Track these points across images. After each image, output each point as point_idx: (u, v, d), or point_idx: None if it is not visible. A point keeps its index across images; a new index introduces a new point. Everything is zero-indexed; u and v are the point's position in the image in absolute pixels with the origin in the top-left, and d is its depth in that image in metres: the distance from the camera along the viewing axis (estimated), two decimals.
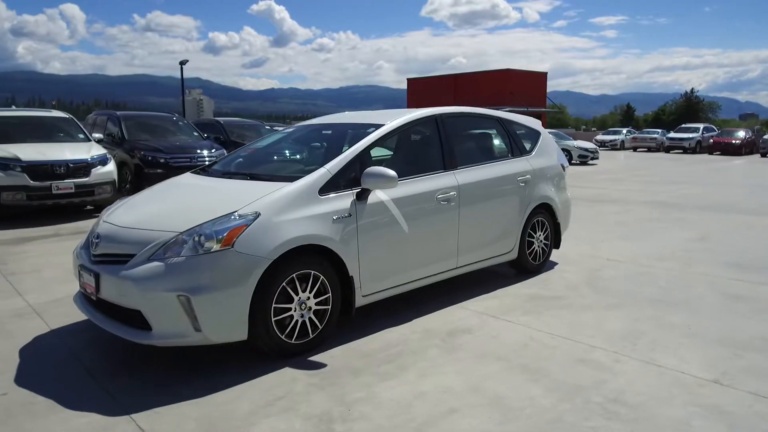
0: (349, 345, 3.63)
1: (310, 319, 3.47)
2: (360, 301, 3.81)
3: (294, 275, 3.35)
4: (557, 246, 5.70)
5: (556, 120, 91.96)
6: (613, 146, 37.24)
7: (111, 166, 9.13)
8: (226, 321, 3.11)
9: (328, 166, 3.71)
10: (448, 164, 4.47)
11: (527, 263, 5.28)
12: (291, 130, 4.93)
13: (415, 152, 4.66)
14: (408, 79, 45.25)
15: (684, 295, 4.70)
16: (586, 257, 6.10)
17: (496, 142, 5.21)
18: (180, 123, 12.74)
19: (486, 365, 3.32)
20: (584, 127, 70.37)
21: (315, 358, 3.43)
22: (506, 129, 5.25)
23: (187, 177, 4.38)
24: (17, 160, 8.18)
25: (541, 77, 42.91)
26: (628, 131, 39.11)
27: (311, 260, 3.45)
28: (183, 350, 3.43)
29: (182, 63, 26.46)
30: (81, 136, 9.87)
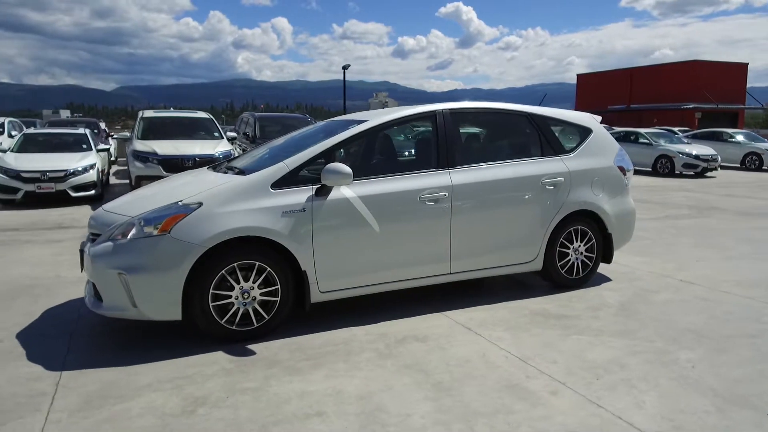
0: (294, 338, 3.67)
1: (254, 308, 3.60)
2: (318, 297, 3.82)
3: (235, 265, 3.51)
4: (608, 260, 4.99)
5: None
6: None
7: None
8: (159, 300, 3.39)
9: (288, 161, 3.79)
10: (443, 163, 4.22)
11: (557, 276, 4.72)
12: (310, 128, 5.08)
13: (401, 150, 4.47)
14: (578, 75, 42.28)
15: (731, 331, 3.80)
16: (655, 275, 5.23)
17: (520, 140, 4.74)
18: (311, 123, 13.77)
19: (401, 376, 3.11)
20: None
21: (252, 346, 3.54)
22: (537, 126, 4.74)
23: (198, 171, 4.79)
24: (154, 153, 9.66)
25: (738, 69, 36.73)
26: None
27: (256, 251, 3.57)
28: (160, 323, 3.80)
29: (345, 68, 28.54)
30: (216, 134, 11.27)
